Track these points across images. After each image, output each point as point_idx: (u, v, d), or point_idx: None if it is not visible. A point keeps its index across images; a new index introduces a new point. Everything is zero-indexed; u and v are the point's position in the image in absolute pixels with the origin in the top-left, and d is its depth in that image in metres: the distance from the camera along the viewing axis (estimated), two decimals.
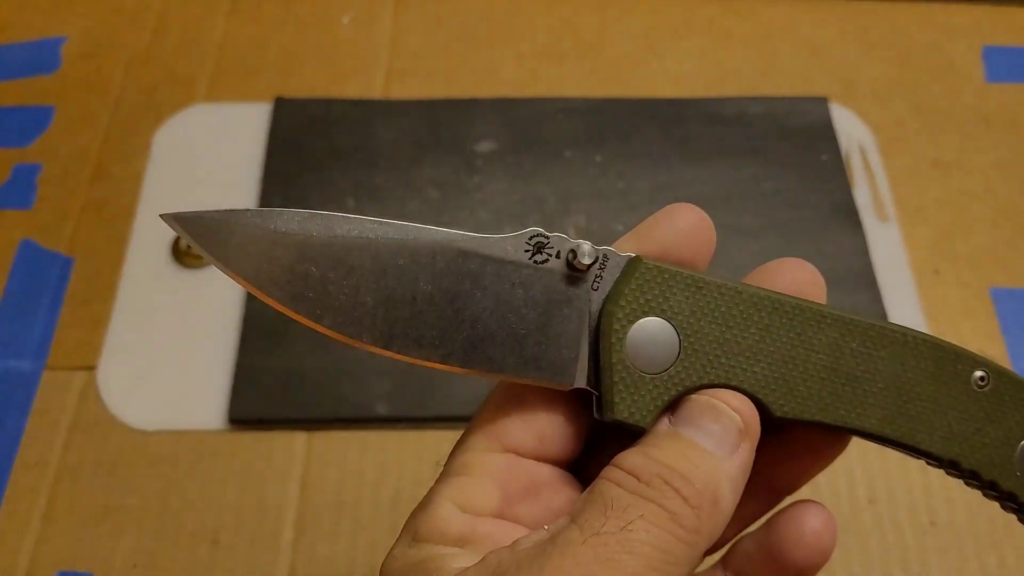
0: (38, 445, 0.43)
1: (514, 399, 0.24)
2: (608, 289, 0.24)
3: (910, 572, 0.40)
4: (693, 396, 0.23)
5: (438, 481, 0.24)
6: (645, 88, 0.57)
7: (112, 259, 0.49)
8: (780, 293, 0.25)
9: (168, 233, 0.50)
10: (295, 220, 0.23)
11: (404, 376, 0.45)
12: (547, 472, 0.24)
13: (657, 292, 0.23)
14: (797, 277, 0.25)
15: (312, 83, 0.57)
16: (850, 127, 0.55)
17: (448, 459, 0.24)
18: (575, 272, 0.24)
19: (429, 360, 0.23)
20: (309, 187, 0.51)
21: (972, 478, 0.25)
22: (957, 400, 0.25)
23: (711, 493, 0.21)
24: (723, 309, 0.24)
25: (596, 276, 0.24)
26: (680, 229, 0.25)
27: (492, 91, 0.56)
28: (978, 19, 0.60)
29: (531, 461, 0.24)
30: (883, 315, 0.47)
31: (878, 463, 0.43)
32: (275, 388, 0.44)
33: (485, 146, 0.53)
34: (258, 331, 0.46)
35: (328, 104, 0.55)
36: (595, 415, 0.24)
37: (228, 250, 0.23)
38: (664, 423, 0.23)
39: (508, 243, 0.23)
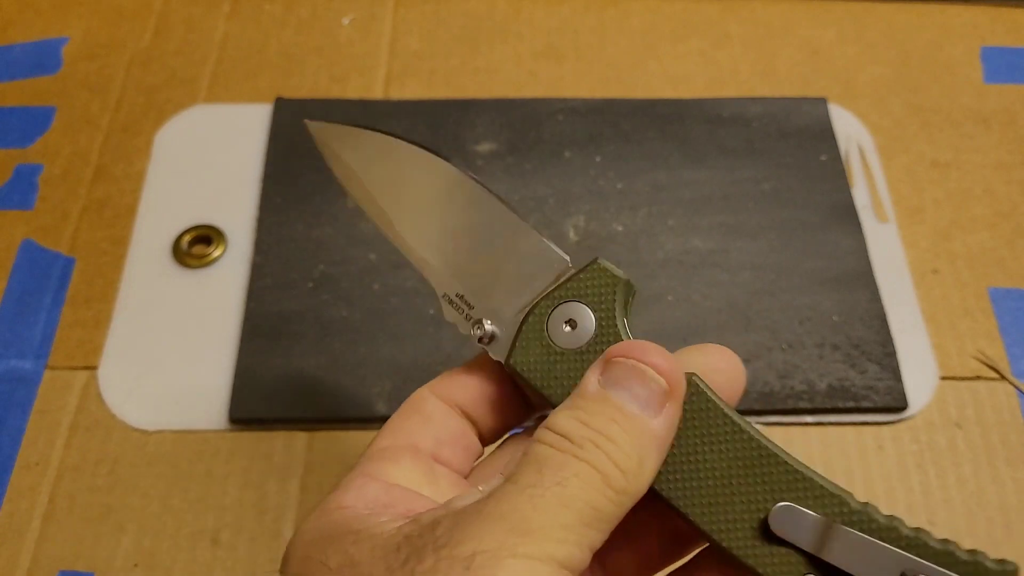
0: (39, 445, 0.44)
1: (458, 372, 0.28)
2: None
3: None
4: (620, 359, 0.24)
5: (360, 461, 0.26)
6: (645, 88, 0.57)
7: (113, 259, 0.49)
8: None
9: (169, 233, 0.50)
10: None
11: (404, 376, 0.45)
12: (467, 426, 0.28)
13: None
14: (711, 362, 0.27)
15: (312, 83, 0.57)
16: (849, 127, 0.55)
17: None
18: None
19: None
20: (310, 187, 0.52)
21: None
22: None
23: (638, 455, 0.23)
24: None
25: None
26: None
27: (492, 91, 0.56)
28: (977, 19, 0.60)
29: (460, 416, 0.28)
30: (882, 315, 0.47)
31: (876, 464, 0.43)
32: (275, 388, 0.45)
33: (485, 146, 0.53)
34: (258, 331, 0.46)
35: (328, 104, 0.55)
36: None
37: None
38: (593, 383, 0.24)
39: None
